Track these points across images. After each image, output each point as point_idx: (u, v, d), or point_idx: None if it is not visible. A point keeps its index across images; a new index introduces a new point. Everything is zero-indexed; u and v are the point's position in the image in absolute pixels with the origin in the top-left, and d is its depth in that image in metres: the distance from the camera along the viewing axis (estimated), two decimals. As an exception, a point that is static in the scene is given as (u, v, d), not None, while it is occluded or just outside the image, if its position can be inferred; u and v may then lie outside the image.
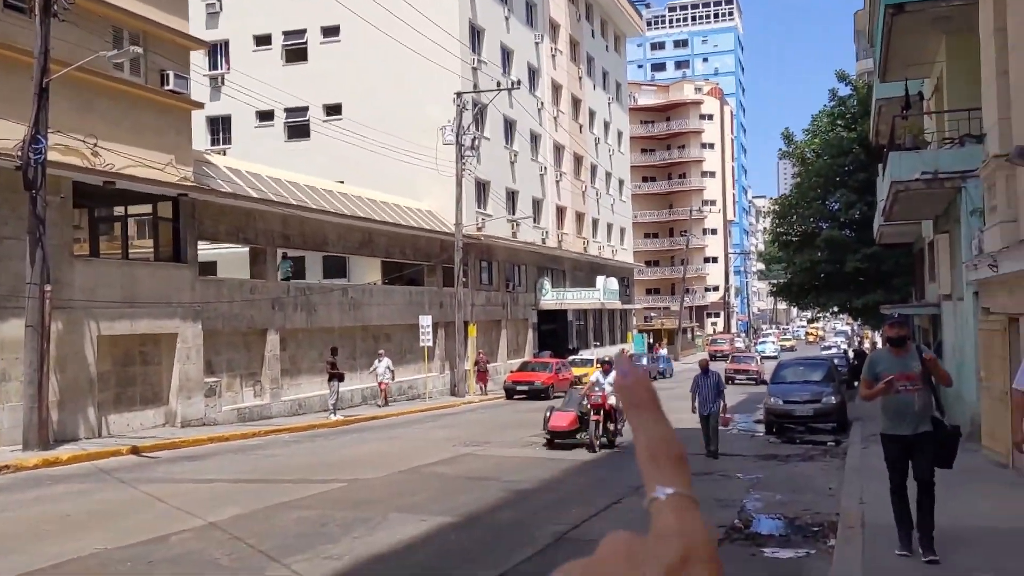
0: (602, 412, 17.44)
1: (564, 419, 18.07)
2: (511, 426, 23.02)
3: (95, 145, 19.23)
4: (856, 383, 41.27)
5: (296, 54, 40.35)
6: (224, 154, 37.89)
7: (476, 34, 40.49)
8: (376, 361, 28.53)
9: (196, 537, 9.31)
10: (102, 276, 19.65)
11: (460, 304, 34.13)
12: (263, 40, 40.68)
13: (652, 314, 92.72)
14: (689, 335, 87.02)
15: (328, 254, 30.75)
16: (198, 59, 39.12)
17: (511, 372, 36.77)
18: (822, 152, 34.46)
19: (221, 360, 23.59)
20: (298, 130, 40.15)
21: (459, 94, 34.51)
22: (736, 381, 40.90)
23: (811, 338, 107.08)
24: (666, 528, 0.56)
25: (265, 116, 39.72)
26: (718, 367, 36.13)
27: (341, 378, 25.42)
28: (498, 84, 37.86)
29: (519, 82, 39.95)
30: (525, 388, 34.12)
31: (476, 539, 9.43)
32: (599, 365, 21.40)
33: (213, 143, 41.33)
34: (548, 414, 18.53)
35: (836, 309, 37.48)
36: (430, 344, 31.62)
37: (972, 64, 15.99)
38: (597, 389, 17.60)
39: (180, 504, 11.25)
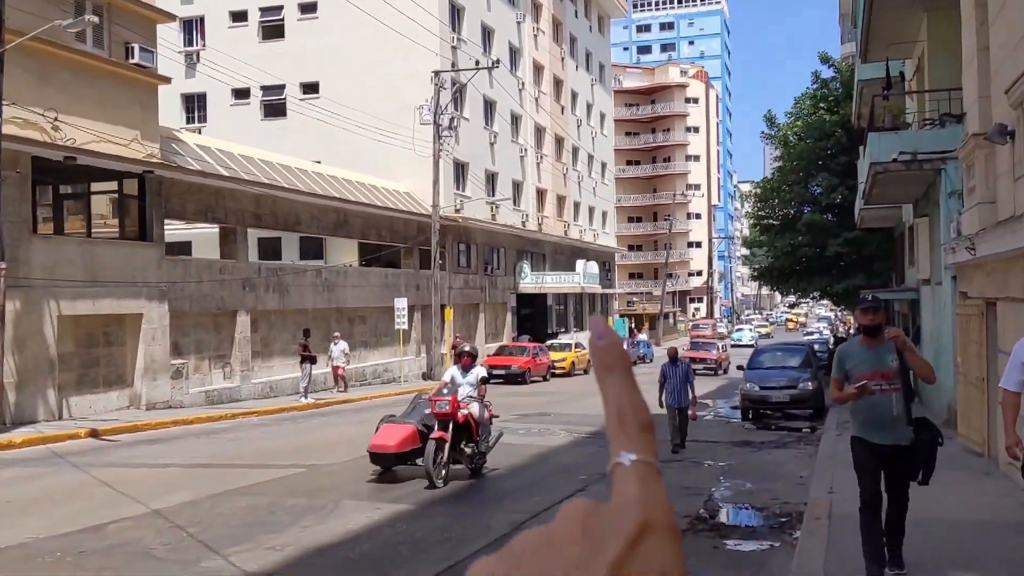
0: (451, 427, 11.84)
1: (394, 435, 11.99)
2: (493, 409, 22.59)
3: (55, 119, 18.64)
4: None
5: (273, 31, 39.64)
6: (199, 132, 37.19)
7: (456, 12, 39.87)
8: (331, 344, 26.90)
9: (135, 526, 8.90)
10: (63, 254, 19.10)
11: (437, 287, 33.67)
12: (239, 16, 39.93)
13: (634, 299, 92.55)
14: (671, 320, 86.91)
15: (302, 234, 30.19)
16: (172, 35, 38.43)
17: (488, 356, 36.37)
18: (804, 135, 34.10)
19: (189, 342, 23.09)
20: (274, 109, 39.49)
21: (437, 72, 33.94)
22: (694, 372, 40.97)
23: (791, 325, 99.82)
24: (627, 495, 0.55)
25: (241, 94, 39.07)
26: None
27: (313, 360, 24.97)
28: (476, 63, 37.28)
29: (498, 61, 39.37)
30: (502, 372, 33.69)
31: (430, 528, 9.04)
32: (455, 357, 15.01)
33: (188, 121, 40.59)
34: (378, 426, 12.72)
35: (817, 294, 37.24)
36: (405, 327, 31.19)
37: (953, 43, 15.62)
38: (446, 392, 12.45)
39: (128, 490, 10.82)
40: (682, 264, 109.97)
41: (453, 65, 37.56)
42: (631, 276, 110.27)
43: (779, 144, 35.89)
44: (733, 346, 56.09)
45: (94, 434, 16.78)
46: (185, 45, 40.51)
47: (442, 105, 33.81)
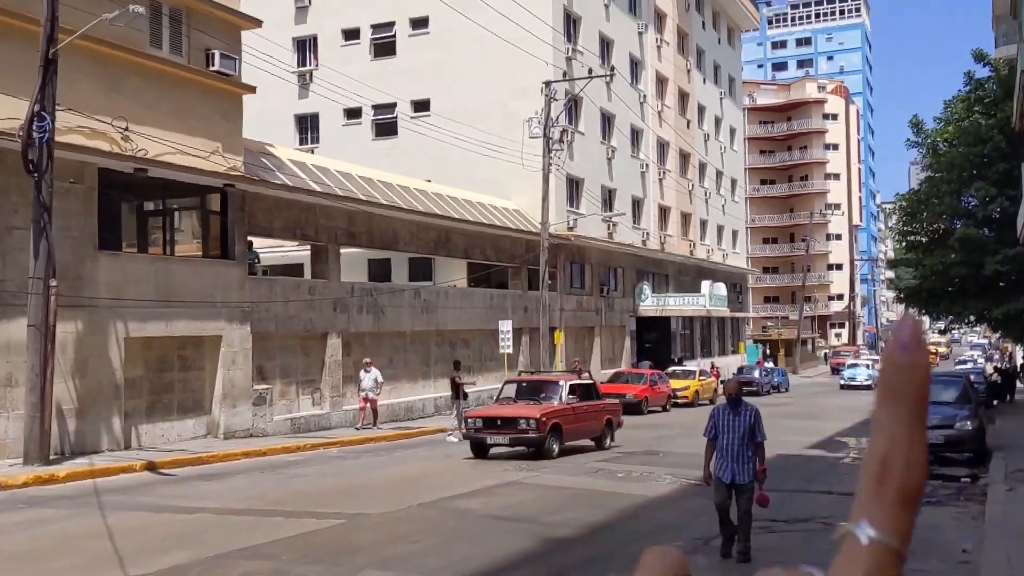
0: None
1: None
2: (589, 447, 20.35)
3: (125, 129, 17.63)
4: (995, 402, 36.94)
5: (384, 48, 38.73)
6: (312, 152, 36.58)
7: (572, 22, 38.00)
8: (361, 372, 23.01)
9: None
10: (133, 272, 18.02)
11: (545, 308, 31.61)
12: (351, 34, 39.23)
13: (768, 324, 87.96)
14: (810, 346, 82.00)
15: (400, 253, 28.73)
16: (286, 55, 38.10)
17: (601, 384, 33.97)
18: (956, 141, 30.47)
19: (274, 365, 21.79)
20: (386, 127, 38.50)
21: (548, 83, 32.07)
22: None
23: (931, 358, 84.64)
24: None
25: (353, 114, 38.25)
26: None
27: (465, 396, 22.79)
28: (589, 71, 35.23)
29: (613, 69, 37.27)
30: (616, 402, 31.26)
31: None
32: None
33: (302, 142, 40.12)
34: None
35: (973, 318, 33.16)
36: (510, 351, 29.21)
37: None
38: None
39: (126, 544, 9.16)
40: (821, 288, 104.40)
41: (567, 76, 35.60)
42: (766, 300, 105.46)
43: (927, 152, 32.30)
44: (843, 387, 48.07)
45: (151, 467, 15.44)
46: (299, 65, 40.13)
47: (553, 117, 31.90)
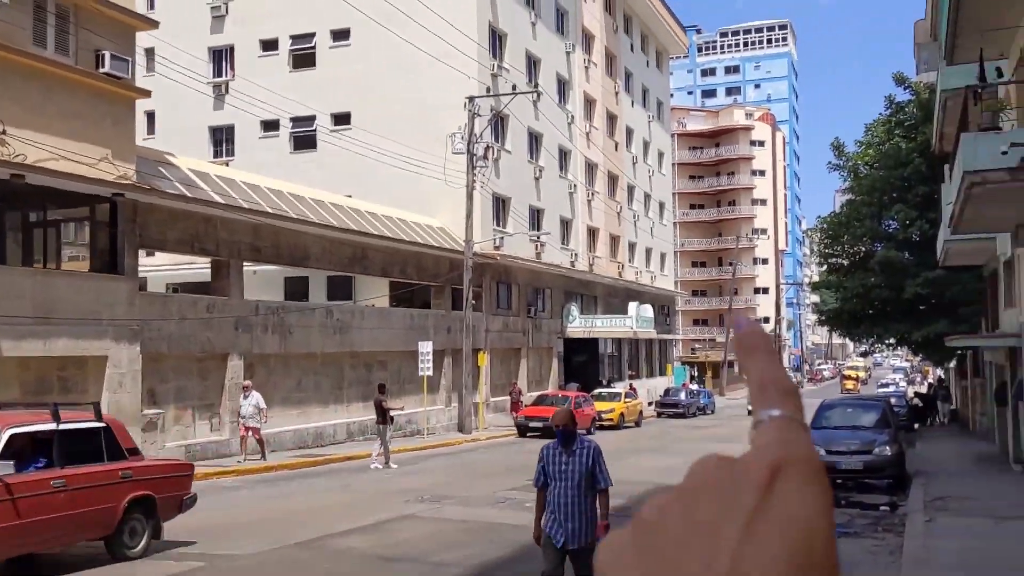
0: None
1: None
2: (499, 472, 19.45)
3: (2, 132, 16.28)
4: (917, 426, 37.03)
5: (304, 59, 37.60)
6: (227, 165, 35.20)
7: (497, 38, 37.36)
8: (241, 398, 20.81)
9: None
10: (8, 286, 16.60)
11: (468, 329, 30.70)
12: (269, 45, 38.01)
13: (696, 346, 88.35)
14: (736, 369, 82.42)
15: (311, 270, 27.55)
16: (200, 66, 36.72)
17: (525, 406, 33.15)
18: (877, 164, 30.51)
19: (167, 389, 20.42)
20: (304, 141, 37.30)
21: (471, 98, 31.32)
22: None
23: (849, 384, 71.73)
24: (764, 441, 0.52)
25: (270, 126, 37.00)
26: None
27: (392, 420, 21.66)
28: (513, 87, 34.61)
29: (537, 86, 36.72)
30: (539, 425, 30.42)
31: None
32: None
33: (216, 155, 38.68)
34: None
35: (893, 341, 33.18)
36: (430, 373, 28.19)
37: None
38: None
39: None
40: (748, 310, 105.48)
41: (491, 92, 34.87)
42: (695, 322, 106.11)
43: (849, 175, 32.31)
44: (750, 412, 48.67)
45: (15, 498, 13.89)
46: (214, 76, 38.76)
47: (477, 133, 31.15)
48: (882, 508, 14.78)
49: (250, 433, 20.45)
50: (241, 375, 22.26)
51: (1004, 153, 11.63)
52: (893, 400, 35.31)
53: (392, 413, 21.83)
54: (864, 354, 57.22)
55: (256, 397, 20.54)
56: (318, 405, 25.49)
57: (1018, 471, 17.73)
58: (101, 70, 18.45)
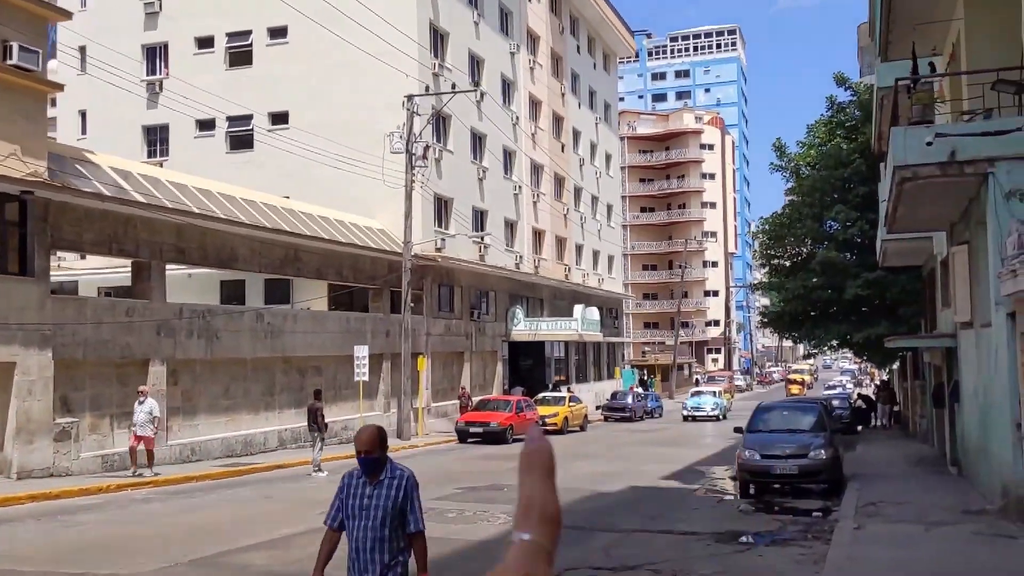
0: None
1: None
2: (425, 482, 18.77)
3: None
4: (859, 427, 37.01)
5: (241, 57, 36.63)
6: (161, 166, 34.15)
7: (439, 37, 36.73)
8: (136, 403, 18.89)
9: None
10: (-99, 289, 15.63)
11: (407, 333, 30.01)
12: (205, 43, 36.98)
13: (646, 349, 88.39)
14: (686, 371, 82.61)
15: (240, 272, 26.67)
16: (133, 66, 35.53)
17: (467, 412, 32.54)
18: (818, 165, 30.43)
19: (82, 396, 19.47)
20: (241, 140, 36.33)
21: (409, 97, 30.64)
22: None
23: (795, 388, 64.20)
24: (507, 564, 0.57)
25: (206, 125, 35.99)
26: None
27: (326, 427, 20.90)
28: (453, 86, 34.01)
29: (478, 85, 36.19)
30: (479, 430, 29.87)
31: None
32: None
33: (150, 155, 37.56)
34: None
35: (836, 343, 33.12)
36: (366, 379, 27.48)
37: (998, 14, 12.01)
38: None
39: None
40: (699, 313, 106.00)
41: (430, 91, 34.17)
42: (646, 325, 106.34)
43: (790, 175, 32.21)
44: (686, 418, 41.85)
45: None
46: (147, 74, 37.63)
47: (416, 133, 30.48)
48: (815, 514, 14.44)
49: (141, 443, 18.63)
50: (164, 382, 21.38)
51: (929, 144, 11.30)
52: (836, 402, 35.43)
53: (325, 420, 21.11)
54: (809, 356, 56.46)
55: (151, 404, 18.86)
56: (248, 412, 24.63)
57: (954, 474, 17.54)
58: (9, 62, 17.52)
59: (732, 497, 16.48)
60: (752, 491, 16.71)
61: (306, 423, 21.30)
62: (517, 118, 43.84)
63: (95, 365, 19.68)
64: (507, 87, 43.37)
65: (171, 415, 21.76)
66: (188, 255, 22.65)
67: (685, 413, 42.93)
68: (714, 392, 46.40)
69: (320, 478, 19.72)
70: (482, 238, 38.79)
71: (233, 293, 32.72)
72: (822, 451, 16.13)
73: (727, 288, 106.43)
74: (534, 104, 46.82)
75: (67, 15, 19.51)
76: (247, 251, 24.66)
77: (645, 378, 69.90)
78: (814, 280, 28.79)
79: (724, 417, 41.57)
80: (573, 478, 18.69)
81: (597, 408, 46.32)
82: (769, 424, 17.90)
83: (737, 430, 18.01)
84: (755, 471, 16.29)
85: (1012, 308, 10.64)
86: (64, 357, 18.65)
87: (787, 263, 31.61)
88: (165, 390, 21.43)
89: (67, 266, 36.58)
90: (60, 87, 19.21)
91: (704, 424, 39.97)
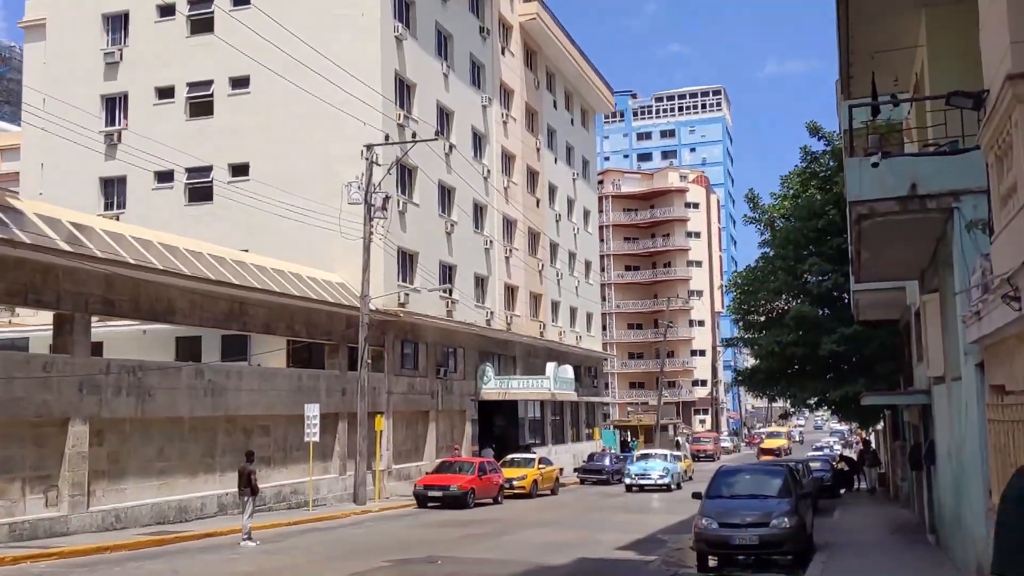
0: None
1: None
2: (364, 552, 17.23)
3: None
4: (842, 491, 35.31)
5: (201, 107, 35.66)
6: (117, 219, 32.97)
7: (405, 88, 35.87)
8: None
9: None
10: None
11: (364, 391, 28.54)
12: (165, 92, 36.04)
13: (630, 409, 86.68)
14: (671, 432, 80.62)
15: (176, 327, 25.25)
16: (90, 120, 34.50)
17: (426, 475, 30.92)
18: (792, 216, 29.39)
19: (-11, 458, 17.92)
20: (200, 192, 35.21)
21: (369, 146, 29.63)
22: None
23: (768, 459, 52.15)
24: None
25: (164, 177, 34.93)
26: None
27: (256, 491, 19.41)
28: (413, 135, 33.05)
29: (438, 134, 35.25)
30: (439, 494, 28.24)
31: None
32: None
33: (107, 207, 36.40)
34: None
35: (813, 401, 31.70)
36: (316, 439, 25.99)
37: (962, 38, 10.97)
38: None
39: None
40: (685, 373, 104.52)
41: (403, 147, 33.09)
42: (631, 385, 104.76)
43: (764, 228, 31.15)
44: (629, 487, 35.84)
45: None
46: (106, 124, 36.64)
47: (376, 183, 29.40)
48: (775, 591, 12.93)
49: None
50: (85, 444, 19.83)
51: (875, 165, 10.11)
52: (817, 464, 33.86)
53: (257, 484, 19.56)
54: (785, 416, 53.71)
55: None
56: (184, 475, 23.02)
57: (932, 543, 16.09)
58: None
59: (690, 571, 14.94)
60: (714, 563, 15.21)
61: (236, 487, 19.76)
62: (489, 171, 42.91)
63: (5, 425, 18.15)
64: (478, 140, 42.53)
65: (94, 478, 20.18)
66: (118, 307, 21.26)
67: (628, 482, 36.20)
68: (666, 455, 39.79)
69: (248, 548, 18.16)
70: (449, 292, 37.54)
71: (189, 350, 31.31)
72: (785, 519, 14.66)
73: (713, 348, 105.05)
74: (507, 158, 45.97)
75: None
76: (186, 304, 23.29)
77: (628, 439, 68.13)
78: (788, 336, 27.50)
79: (678, 487, 36.24)
80: (517, 548, 17.18)
81: (575, 470, 44.64)
82: (732, 489, 16.45)
83: (696, 495, 16.53)
84: (712, 541, 14.80)
85: (980, 358, 9.35)
86: (-33, 416, 17.18)
87: (761, 318, 30.38)
88: (87, 451, 19.87)
89: (18, 322, 35.27)
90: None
91: (689, 486, 33.80)
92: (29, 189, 36.39)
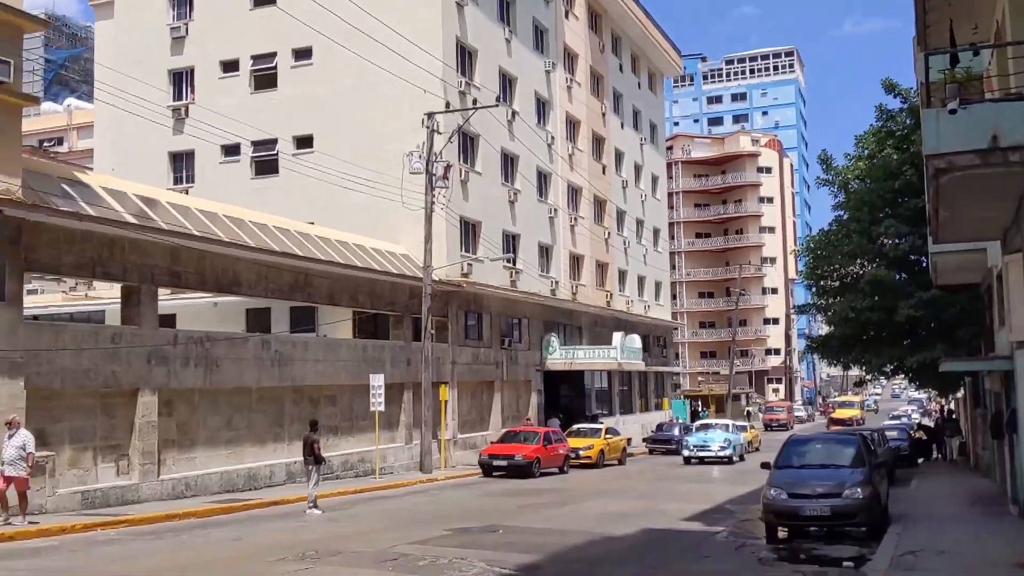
0: None
1: None
2: (429, 520, 17.18)
3: None
4: (920, 460, 34.28)
5: (265, 80, 35.81)
6: (186, 193, 33.43)
7: (467, 55, 35.49)
8: (5, 437, 15.71)
9: None
10: None
11: (427, 361, 28.53)
12: (230, 66, 36.27)
13: (700, 379, 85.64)
14: (743, 402, 79.39)
15: (240, 296, 25.39)
16: (159, 96, 34.94)
17: (491, 443, 30.87)
18: (867, 177, 28.30)
19: (60, 428, 18.28)
20: (266, 165, 35.42)
21: (429, 114, 29.41)
22: None
23: (836, 424, 56.92)
24: None
25: (231, 151, 35.21)
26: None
27: (322, 460, 19.68)
28: (475, 101, 32.68)
29: (499, 100, 34.75)
30: (504, 463, 28.18)
31: None
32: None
33: (176, 182, 36.91)
34: None
35: (889, 369, 30.61)
36: (382, 409, 26.11)
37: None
38: None
39: None
40: (758, 342, 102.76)
41: (463, 115, 32.76)
42: (703, 355, 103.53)
43: (838, 190, 30.09)
44: (688, 460, 33.91)
45: None
46: (174, 99, 37.10)
47: (437, 152, 29.19)
48: (845, 564, 12.43)
49: (12, 485, 15.63)
50: (155, 413, 20.16)
51: (952, 112, 9.45)
52: (894, 433, 32.82)
53: (321, 453, 19.67)
54: (860, 384, 52.21)
55: (23, 437, 15.70)
56: (253, 444, 23.31)
57: (1014, 514, 15.35)
58: (-25, 74, 16.60)
59: (756, 542, 14.51)
60: (783, 535, 14.74)
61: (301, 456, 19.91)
62: (553, 138, 42.36)
63: (75, 396, 18.51)
64: (542, 106, 41.98)
65: (164, 447, 20.52)
66: (184, 279, 21.49)
67: (687, 453, 34.34)
68: (727, 426, 37.68)
69: (313, 516, 18.29)
70: (512, 262, 37.26)
71: (258, 321, 31.67)
72: (858, 489, 14.09)
73: (787, 315, 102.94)
74: (572, 124, 45.32)
75: (44, 24, 18.59)
76: (252, 276, 23.45)
77: (699, 409, 67.38)
78: (863, 301, 26.55)
79: (741, 459, 34.87)
80: (580, 519, 16.92)
81: (643, 440, 44.25)
82: (802, 459, 15.89)
83: (764, 465, 16.03)
84: (781, 512, 14.32)
85: (1069, 319, 8.72)
86: (39, 386, 17.53)
87: (835, 283, 29.42)
88: (156, 421, 20.21)
89: (95, 295, 36.08)
90: (35, 100, 18.30)
91: (757, 456, 33.13)
92: (102, 165, 37.11)
